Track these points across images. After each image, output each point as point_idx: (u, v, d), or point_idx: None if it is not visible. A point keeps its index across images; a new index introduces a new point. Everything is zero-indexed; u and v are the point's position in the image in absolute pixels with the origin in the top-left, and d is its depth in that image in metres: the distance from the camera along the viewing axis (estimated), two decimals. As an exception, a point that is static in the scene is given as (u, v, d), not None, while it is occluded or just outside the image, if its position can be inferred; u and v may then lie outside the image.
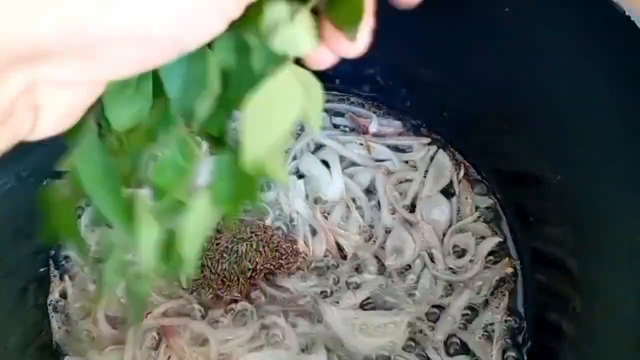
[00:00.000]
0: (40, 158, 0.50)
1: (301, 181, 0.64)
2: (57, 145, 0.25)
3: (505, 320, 0.59)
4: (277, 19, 0.21)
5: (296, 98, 0.22)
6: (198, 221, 0.24)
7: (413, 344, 0.58)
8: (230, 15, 0.20)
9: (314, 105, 0.23)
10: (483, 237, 0.63)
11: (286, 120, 0.22)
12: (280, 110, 0.21)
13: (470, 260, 0.62)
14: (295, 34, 0.21)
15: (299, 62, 0.23)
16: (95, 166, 0.23)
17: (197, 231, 0.24)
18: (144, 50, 0.20)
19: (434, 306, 0.59)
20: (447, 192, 0.65)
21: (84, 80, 0.20)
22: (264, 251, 0.60)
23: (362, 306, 0.59)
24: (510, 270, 0.61)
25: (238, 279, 0.59)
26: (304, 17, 0.21)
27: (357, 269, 0.61)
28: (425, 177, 0.65)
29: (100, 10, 0.17)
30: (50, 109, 0.21)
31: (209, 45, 0.22)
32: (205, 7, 0.19)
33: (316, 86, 0.23)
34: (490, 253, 0.62)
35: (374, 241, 0.62)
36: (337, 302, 0.59)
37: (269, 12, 0.21)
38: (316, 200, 0.64)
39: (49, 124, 0.21)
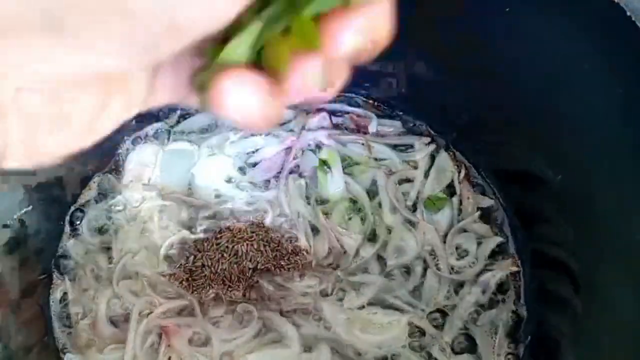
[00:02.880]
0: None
1: (302, 180, 0.64)
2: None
3: (507, 320, 0.59)
4: None
5: None
6: None
7: (416, 343, 0.58)
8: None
9: None
10: (484, 237, 0.63)
11: None
12: None
13: (472, 261, 0.62)
14: None
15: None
16: None
17: None
18: (127, 29, 0.16)
19: (436, 306, 0.60)
20: (448, 192, 0.65)
21: (65, 69, 0.17)
22: (265, 251, 0.60)
23: (364, 306, 0.59)
24: (511, 270, 0.61)
25: (239, 279, 0.59)
26: None
27: (359, 269, 0.61)
28: (426, 177, 0.65)
29: None
30: (28, 116, 0.17)
31: None
32: None
33: None
34: (492, 253, 0.62)
35: (376, 241, 0.62)
36: (339, 302, 0.59)
37: None
38: (317, 200, 0.64)
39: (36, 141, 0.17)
